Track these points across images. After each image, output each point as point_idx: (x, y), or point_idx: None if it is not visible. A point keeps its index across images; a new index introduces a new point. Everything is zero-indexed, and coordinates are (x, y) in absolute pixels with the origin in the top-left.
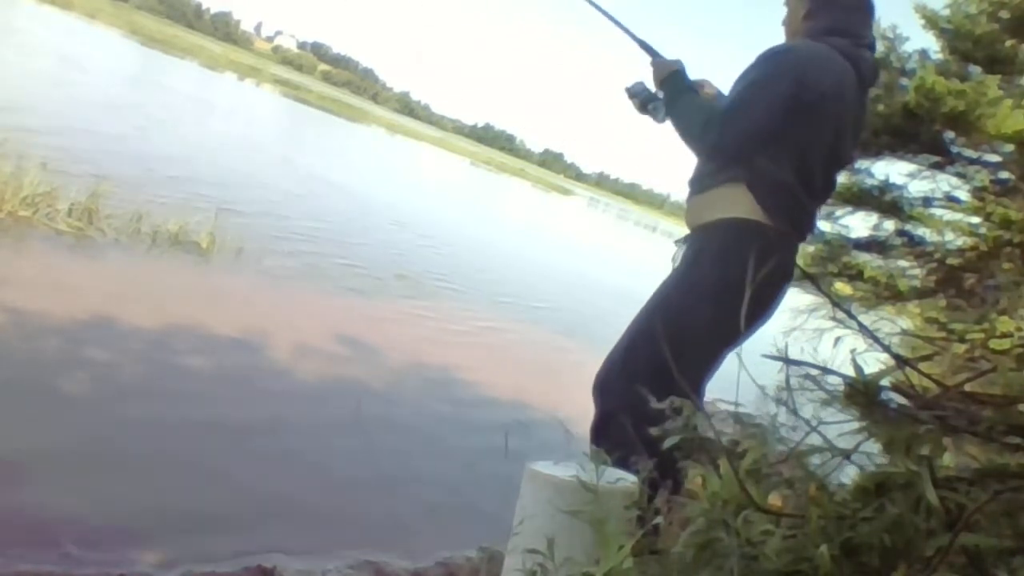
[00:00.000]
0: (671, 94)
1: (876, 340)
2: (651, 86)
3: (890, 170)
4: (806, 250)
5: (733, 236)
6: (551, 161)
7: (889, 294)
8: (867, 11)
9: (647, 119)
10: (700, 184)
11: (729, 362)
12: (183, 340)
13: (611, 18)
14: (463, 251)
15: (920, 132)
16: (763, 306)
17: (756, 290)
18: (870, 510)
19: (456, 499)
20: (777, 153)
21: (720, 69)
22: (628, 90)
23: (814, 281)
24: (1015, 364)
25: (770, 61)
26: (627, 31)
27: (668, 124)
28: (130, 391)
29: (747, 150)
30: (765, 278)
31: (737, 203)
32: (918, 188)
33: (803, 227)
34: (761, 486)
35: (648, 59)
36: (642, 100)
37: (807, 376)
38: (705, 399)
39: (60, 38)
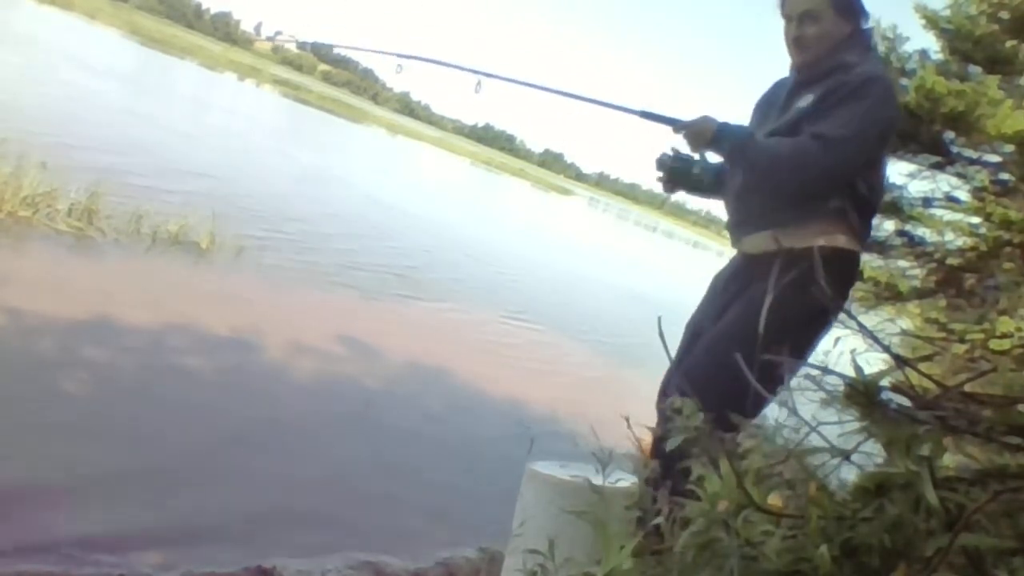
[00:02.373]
0: (735, 146)
1: (876, 340)
2: (671, 154)
3: (890, 170)
4: None
5: (827, 266)
6: (551, 161)
7: (889, 294)
8: None
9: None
10: (775, 220)
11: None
12: (183, 340)
13: (614, 106)
14: (463, 250)
15: (920, 132)
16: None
17: (833, 312)
18: (870, 510)
19: (456, 499)
20: (870, 177)
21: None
22: (660, 166)
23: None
24: (1015, 364)
25: (874, 89)
26: (638, 112)
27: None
28: (130, 391)
29: (854, 176)
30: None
31: (828, 233)
32: (918, 188)
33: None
34: (761, 486)
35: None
36: (683, 170)
37: (807, 376)
38: None
39: (60, 38)
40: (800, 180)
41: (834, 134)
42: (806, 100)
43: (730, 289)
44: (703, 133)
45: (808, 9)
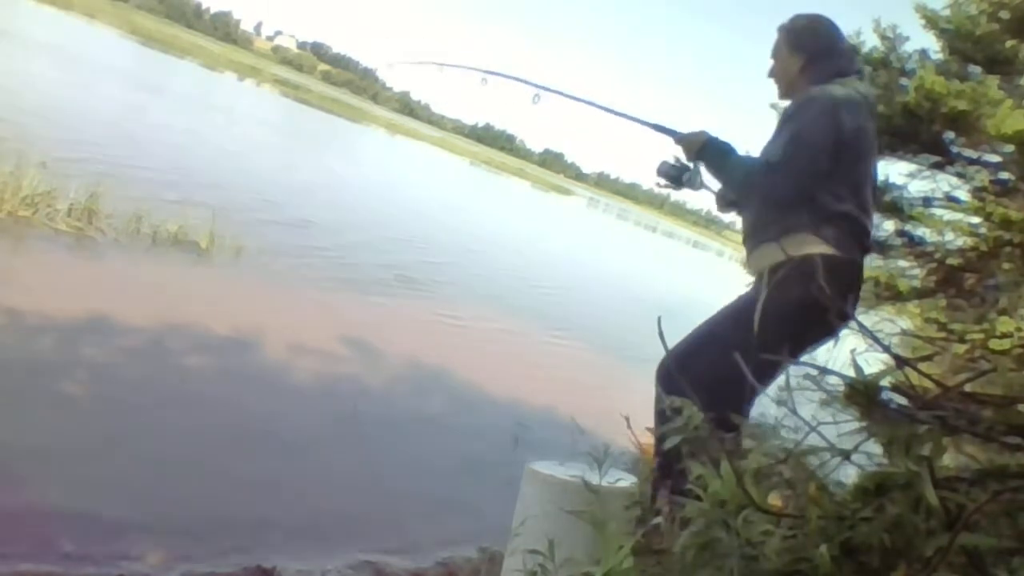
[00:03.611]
0: (716, 159)
1: (876, 340)
2: (671, 162)
3: (890, 170)
4: None
5: (800, 269)
6: (551, 161)
7: (889, 294)
8: (850, 49)
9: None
10: (762, 235)
11: None
12: (183, 340)
13: (623, 115)
14: (462, 251)
15: (920, 132)
16: (830, 324)
17: (822, 311)
18: (870, 510)
19: (456, 499)
20: (835, 188)
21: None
22: (659, 171)
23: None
24: (1015, 364)
25: (808, 109)
26: (642, 122)
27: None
28: (130, 391)
29: (808, 189)
30: (829, 300)
31: (802, 244)
32: (918, 188)
33: (865, 247)
34: (761, 486)
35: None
36: (675, 176)
37: (807, 376)
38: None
39: (60, 38)
40: (752, 197)
41: (773, 158)
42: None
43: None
44: (694, 144)
45: (774, 50)
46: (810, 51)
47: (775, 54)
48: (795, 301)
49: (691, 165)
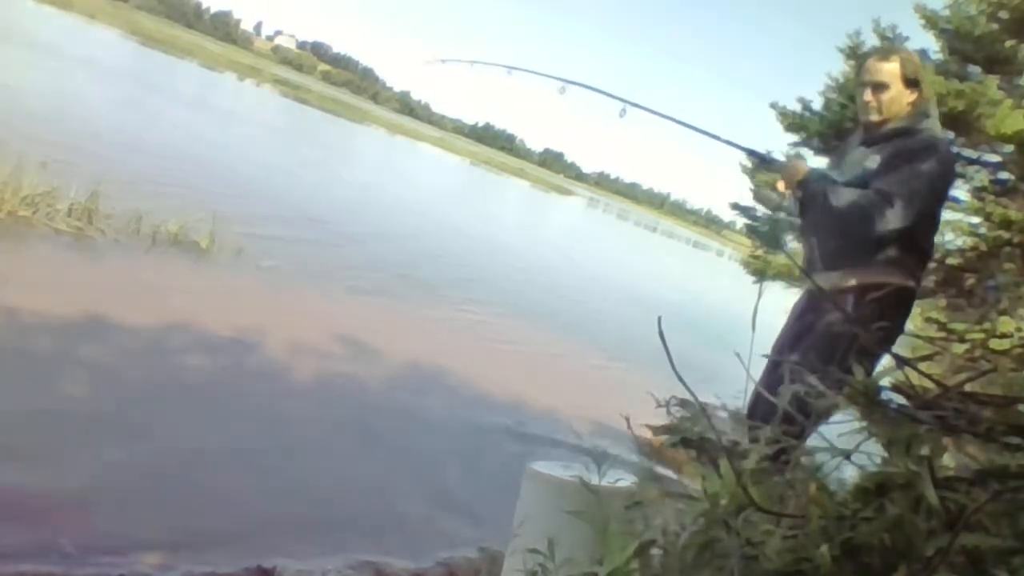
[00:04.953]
0: (821, 187)
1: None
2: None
3: None
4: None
5: (888, 302)
6: (551, 161)
7: None
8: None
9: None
10: (840, 262)
11: (731, 364)
12: (183, 340)
13: (713, 135)
14: (462, 251)
15: None
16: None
17: (888, 340)
18: (870, 510)
19: (456, 499)
20: (924, 224)
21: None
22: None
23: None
24: (1015, 364)
25: (932, 154)
26: (737, 146)
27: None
28: (130, 391)
29: (911, 227)
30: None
31: (887, 273)
32: None
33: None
34: (761, 486)
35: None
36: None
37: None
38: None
39: (60, 38)
40: (866, 226)
41: (896, 191)
42: (873, 161)
43: (805, 319)
44: (796, 173)
45: (881, 80)
46: (922, 88)
47: (890, 81)
48: (874, 328)
49: (787, 194)
